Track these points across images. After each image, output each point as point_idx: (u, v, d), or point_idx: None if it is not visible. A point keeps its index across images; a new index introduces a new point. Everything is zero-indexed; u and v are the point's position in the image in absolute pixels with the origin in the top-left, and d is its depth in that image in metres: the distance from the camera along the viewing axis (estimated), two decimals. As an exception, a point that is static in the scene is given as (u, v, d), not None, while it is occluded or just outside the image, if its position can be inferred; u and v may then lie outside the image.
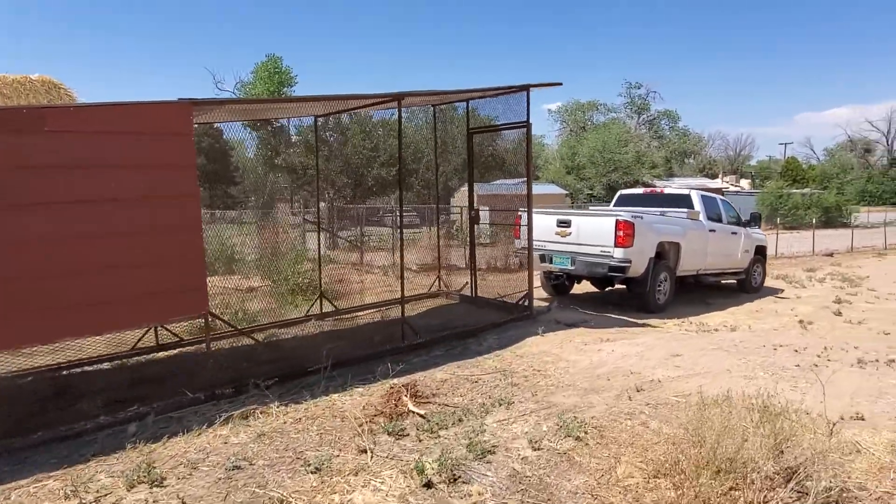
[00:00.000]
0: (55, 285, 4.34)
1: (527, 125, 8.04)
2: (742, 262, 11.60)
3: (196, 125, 5.54)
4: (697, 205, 10.50)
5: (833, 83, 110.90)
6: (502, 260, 12.82)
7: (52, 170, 4.28)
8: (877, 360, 6.50)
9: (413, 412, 4.76)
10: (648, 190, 12.13)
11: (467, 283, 9.16)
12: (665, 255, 9.46)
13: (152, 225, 4.77)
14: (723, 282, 11.79)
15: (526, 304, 8.13)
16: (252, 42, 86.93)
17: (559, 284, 10.48)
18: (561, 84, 8.67)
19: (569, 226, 9.06)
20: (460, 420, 4.61)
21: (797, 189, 38.04)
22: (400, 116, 6.89)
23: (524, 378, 5.62)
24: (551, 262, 9.26)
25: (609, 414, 4.64)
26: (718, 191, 30.89)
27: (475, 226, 9.25)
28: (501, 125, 8.56)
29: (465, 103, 9.15)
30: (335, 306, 8.55)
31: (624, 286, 9.72)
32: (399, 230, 7.55)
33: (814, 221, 25.57)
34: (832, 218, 33.90)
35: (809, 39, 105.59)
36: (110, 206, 4.56)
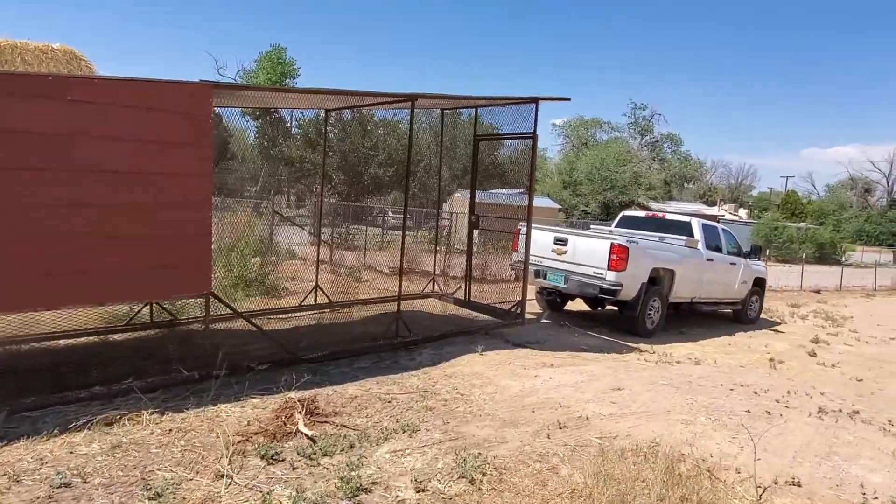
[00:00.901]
0: (64, 250, 4.33)
1: (533, 136, 8.07)
2: (739, 293, 11.39)
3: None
4: (697, 233, 10.30)
5: (841, 121, 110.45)
6: (493, 269, 12.76)
7: (70, 138, 4.28)
8: (839, 411, 5.92)
9: (301, 433, 4.19)
10: (650, 214, 11.99)
11: (460, 286, 9.24)
12: (659, 280, 9.33)
13: (164, 201, 4.76)
14: (720, 311, 11.53)
15: (518, 311, 8.12)
16: (254, 30, 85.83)
17: (552, 300, 10.45)
18: (569, 99, 8.79)
19: (565, 244, 9.04)
20: (351, 446, 4.04)
21: (793, 223, 37.45)
22: (413, 117, 6.97)
23: (443, 402, 5.05)
24: (545, 278, 9.22)
25: (519, 453, 4.06)
26: (714, 218, 30.36)
27: (473, 231, 9.25)
28: (508, 134, 8.63)
29: (473, 110, 9.21)
30: (329, 299, 8.52)
31: (615, 308, 9.59)
32: (402, 229, 7.52)
33: (804, 256, 24.96)
34: (826, 254, 33.26)
35: (821, 75, 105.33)
36: (125, 178, 4.57)
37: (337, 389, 5.13)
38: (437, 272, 13.37)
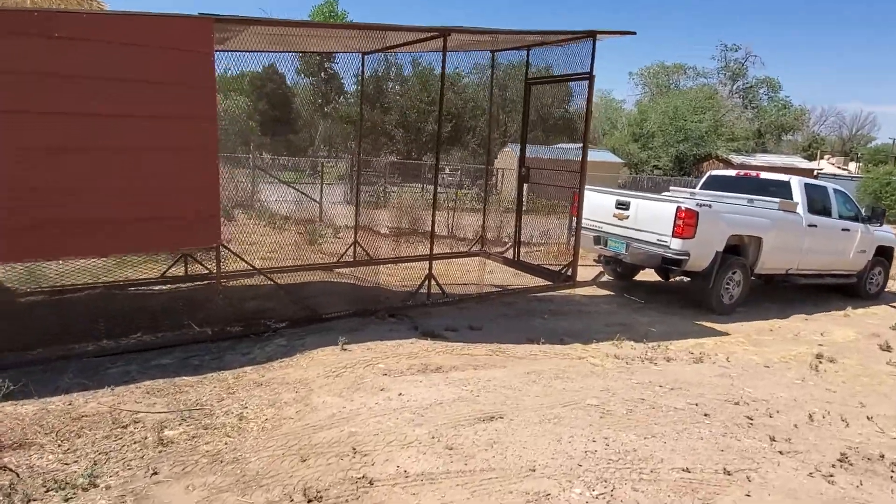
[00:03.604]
0: (56, 200, 3.97)
1: (590, 77, 6.89)
2: (855, 264, 9.58)
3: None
4: (797, 195, 8.65)
5: None
6: (545, 230, 11.84)
7: (58, 78, 3.89)
8: (873, 457, 3.59)
9: None
10: (742, 173, 10.25)
11: (510, 245, 8.48)
12: (742, 249, 8.02)
13: (164, 146, 4.36)
14: (829, 284, 9.58)
15: (569, 273, 7.33)
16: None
17: (615, 269, 9.28)
18: (634, 33, 7.15)
19: (627, 208, 7.98)
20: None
21: (914, 177, 31.21)
22: (444, 55, 6.06)
23: (204, 428, 3.31)
24: (606, 245, 8.17)
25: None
26: (810, 172, 25.63)
27: (524, 186, 8.36)
28: (562, 76, 7.71)
29: (525, 54, 8.10)
30: (369, 255, 8.10)
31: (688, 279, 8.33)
32: (433, 185, 6.93)
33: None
34: (953, 215, 27.36)
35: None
36: (121, 121, 4.16)
37: (72, 400, 3.54)
38: (474, 234, 11.98)
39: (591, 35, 6.80)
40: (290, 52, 8.32)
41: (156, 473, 2.86)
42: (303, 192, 12.40)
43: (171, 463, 2.95)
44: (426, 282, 6.26)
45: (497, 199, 17.34)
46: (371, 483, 2.77)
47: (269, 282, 5.47)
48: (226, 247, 4.86)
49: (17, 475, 2.80)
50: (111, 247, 4.48)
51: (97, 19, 4.21)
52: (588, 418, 3.77)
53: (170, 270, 6.41)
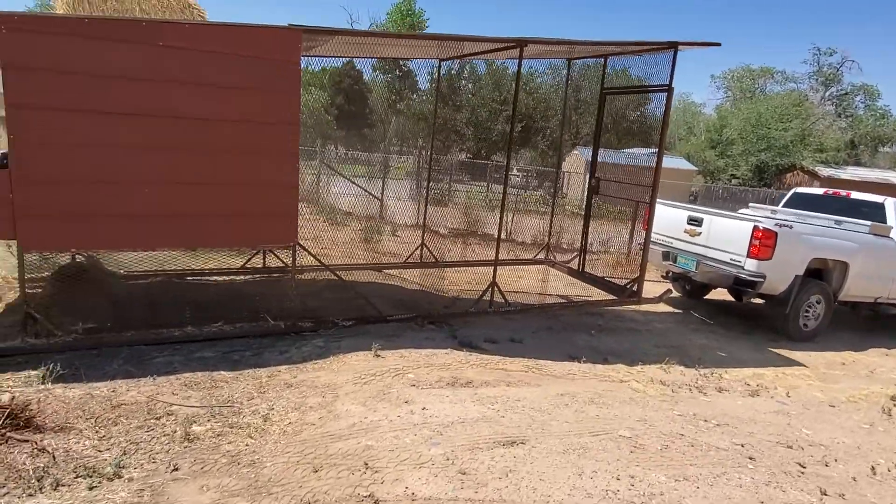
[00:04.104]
0: (155, 194, 4.31)
1: (668, 89, 6.69)
2: None
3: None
4: (893, 218, 8.04)
5: None
6: (611, 239, 11.58)
7: (161, 83, 4.21)
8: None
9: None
10: (831, 192, 9.66)
11: (576, 255, 8.38)
12: (825, 274, 7.55)
13: (250, 148, 4.59)
14: None
15: (634, 288, 7.17)
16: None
17: (684, 287, 8.98)
18: (718, 44, 6.86)
19: (700, 224, 7.65)
20: (-10, 492, 2.61)
21: None
22: (520, 65, 6.08)
23: (230, 427, 3.37)
24: (675, 261, 7.84)
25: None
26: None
27: (593, 197, 8.21)
28: (639, 87, 7.63)
29: (601, 60, 7.96)
30: (435, 257, 8.20)
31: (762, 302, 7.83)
32: (503, 188, 6.75)
33: None
34: None
35: None
36: (213, 124, 4.45)
37: (115, 388, 3.71)
38: (532, 238, 11.88)
39: (673, 46, 6.54)
40: (370, 57, 8.54)
41: (176, 469, 2.93)
42: (364, 189, 12.55)
43: (193, 460, 3.02)
44: (489, 289, 6.18)
45: (561, 202, 16.92)
46: (377, 503, 2.71)
47: (335, 278, 5.66)
48: (301, 245, 5.07)
49: (54, 458, 2.96)
50: (199, 240, 4.86)
51: (197, 29, 4.48)
52: (617, 451, 3.55)
53: (248, 262, 6.83)
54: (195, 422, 3.41)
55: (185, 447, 3.15)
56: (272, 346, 4.67)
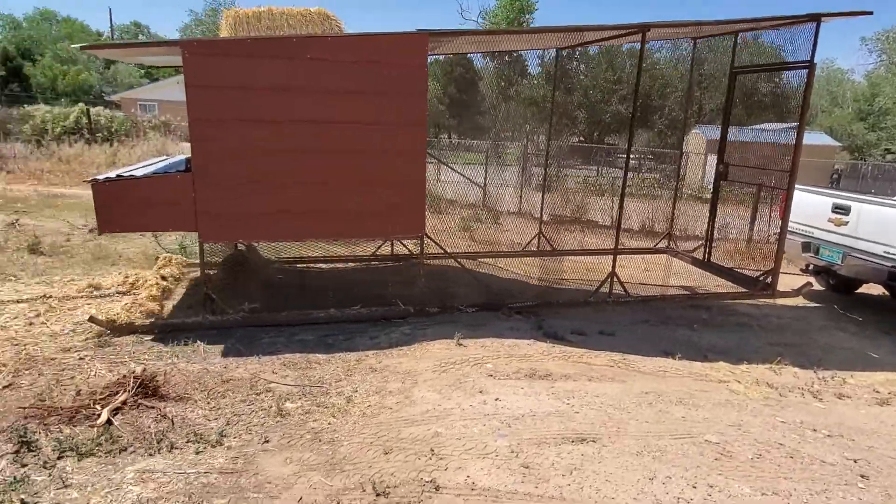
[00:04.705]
0: (306, 192, 4.85)
1: (810, 66, 6.11)
2: None
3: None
4: None
5: None
6: (726, 225, 10.61)
7: (308, 92, 4.69)
8: None
9: (106, 418, 3.37)
10: None
11: (701, 244, 7.91)
12: None
13: (385, 148, 4.96)
14: None
15: (768, 280, 6.65)
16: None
17: (827, 281, 8.13)
18: (870, 13, 6.13)
19: (847, 213, 6.90)
20: (123, 450, 3.09)
21: None
22: (642, 51, 5.96)
23: (317, 406, 3.64)
24: (816, 252, 7.18)
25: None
26: None
27: (721, 182, 7.70)
28: (775, 64, 7.04)
29: (731, 36, 7.43)
30: (552, 246, 8.15)
31: None
32: (624, 172, 6.74)
33: None
34: None
35: None
36: (352, 127, 4.85)
37: (227, 364, 4.15)
38: (640, 225, 11.41)
39: (815, 19, 5.93)
40: (489, 52, 8.70)
41: (267, 441, 3.24)
42: (466, 177, 12.65)
43: (282, 434, 3.32)
44: (608, 280, 6.06)
45: (678, 186, 15.79)
46: (437, 489, 2.80)
47: (455, 265, 6.01)
48: (428, 236, 5.38)
49: (173, 423, 3.39)
50: (341, 232, 5.38)
51: (337, 41, 4.83)
52: (699, 458, 3.32)
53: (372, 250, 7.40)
54: (288, 399, 3.73)
55: (277, 421, 3.46)
56: (363, 332, 4.93)
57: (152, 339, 4.55)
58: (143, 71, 43.70)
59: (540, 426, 3.45)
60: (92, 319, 4.61)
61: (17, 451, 3.05)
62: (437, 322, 5.18)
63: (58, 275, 6.10)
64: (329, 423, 3.45)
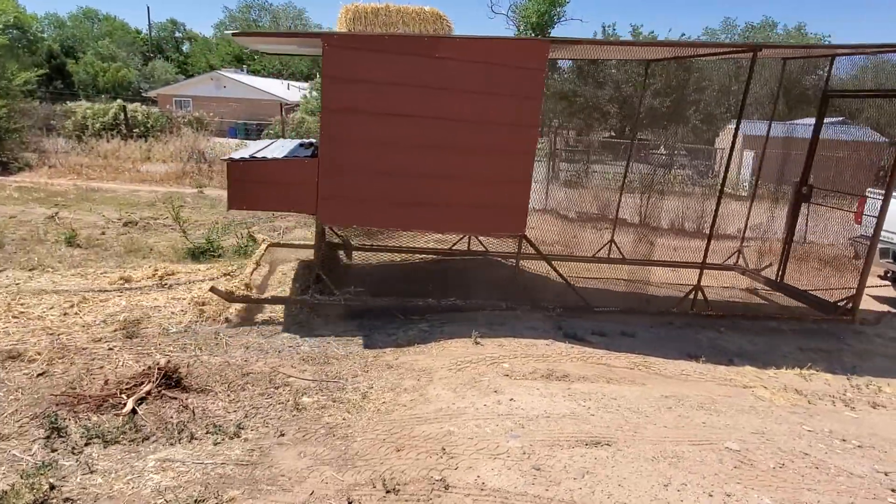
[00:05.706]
0: (415, 184, 4.99)
1: None
2: None
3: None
4: None
5: None
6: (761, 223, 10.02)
7: (435, 90, 4.81)
8: None
9: (130, 407, 3.49)
10: None
11: (771, 263, 7.57)
12: None
13: (501, 147, 5.03)
14: None
15: (849, 306, 6.18)
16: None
17: None
18: None
19: None
20: (146, 439, 3.20)
21: None
22: (752, 70, 5.68)
23: (333, 402, 3.69)
24: (895, 259, 6.98)
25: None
26: None
27: (801, 205, 7.20)
28: (873, 91, 7.29)
29: (828, 60, 7.11)
30: (622, 254, 7.95)
31: None
32: (721, 180, 6.53)
33: None
34: None
35: None
36: (471, 126, 4.94)
37: (247, 357, 4.24)
38: (669, 223, 11.08)
39: None
40: (588, 59, 8.59)
41: (282, 435, 3.31)
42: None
43: (297, 428, 3.38)
44: (693, 292, 5.86)
45: (714, 184, 15.39)
46: (446, 488, 2.82)
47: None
48: (525, 237, 5.41)
49: (193, 414, 3.50)
50: (446, 226, 5.50)
51: (465, 43, 4.90)
52: (717, 465, 3.25)
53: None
54: (305, 393, 3.80)
55: (293, 415, 3.52)
56: (382, 329, 4.98)
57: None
58: (178, 67, 44.84)
59: (554, 428, 3.43)
60: (213, 290, 5.00)
61: (48, 437, 3.19)
62: (456, 320, 5.19)
63: (91, 267, 6.33)
64: (343, 419, 3.50)
